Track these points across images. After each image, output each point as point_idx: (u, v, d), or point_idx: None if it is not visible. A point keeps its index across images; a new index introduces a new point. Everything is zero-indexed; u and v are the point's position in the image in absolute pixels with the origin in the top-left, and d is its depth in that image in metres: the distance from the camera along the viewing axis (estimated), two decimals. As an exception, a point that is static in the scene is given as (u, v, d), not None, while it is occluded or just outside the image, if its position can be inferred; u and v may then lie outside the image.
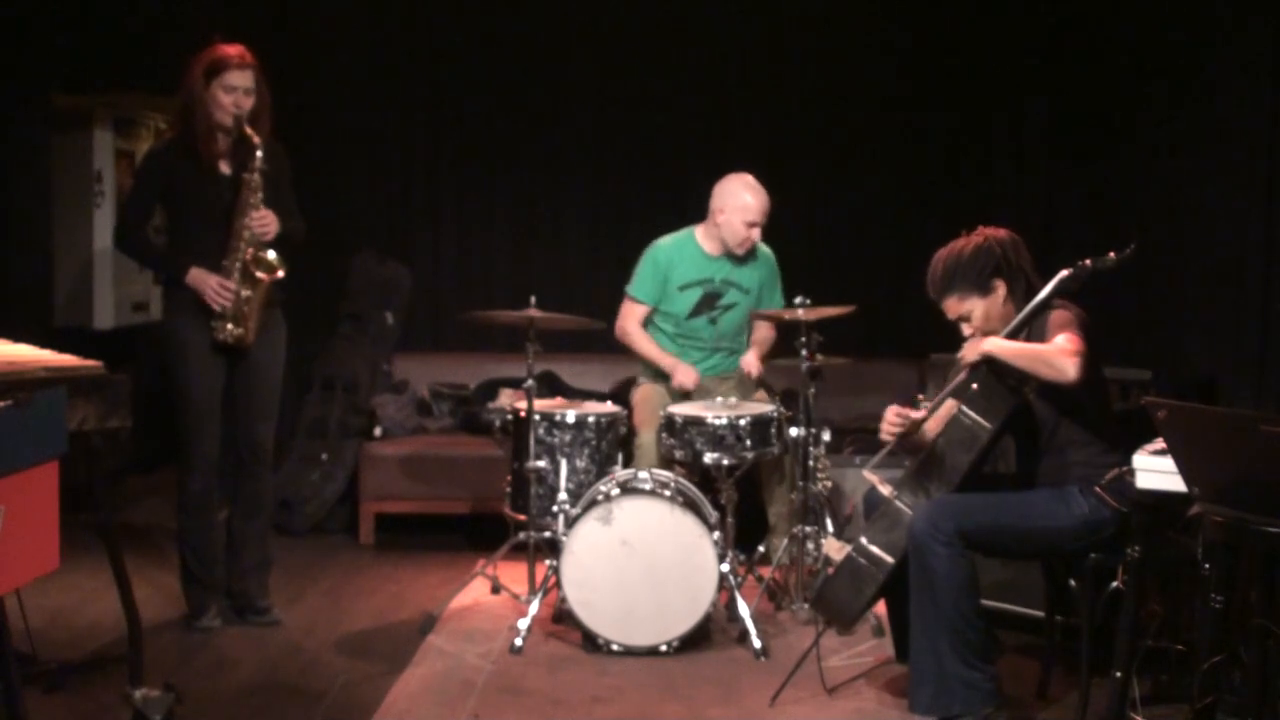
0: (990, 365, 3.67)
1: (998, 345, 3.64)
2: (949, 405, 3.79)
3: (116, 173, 6.56)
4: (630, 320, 5.10)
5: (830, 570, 3.86)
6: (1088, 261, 3.67)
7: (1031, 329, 3.71)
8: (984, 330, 3.76)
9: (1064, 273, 3.67)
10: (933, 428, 3.83)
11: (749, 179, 4.96)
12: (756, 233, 4.95)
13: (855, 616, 3.86)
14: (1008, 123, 6.50)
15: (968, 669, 3.56)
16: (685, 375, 4.93)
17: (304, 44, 6.26)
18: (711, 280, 5.01)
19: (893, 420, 3.78)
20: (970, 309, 3.77)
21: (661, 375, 5.08)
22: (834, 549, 3.85)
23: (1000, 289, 3.76)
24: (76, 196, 6.42)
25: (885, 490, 3.81)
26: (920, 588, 3.58)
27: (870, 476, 3.88)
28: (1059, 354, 3.49)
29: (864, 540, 3.75)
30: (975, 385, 3.70)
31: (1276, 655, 3.05)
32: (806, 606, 4.65)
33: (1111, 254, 3.66)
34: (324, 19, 6.41)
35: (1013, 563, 4.20)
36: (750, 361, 5.02)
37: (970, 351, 3.72)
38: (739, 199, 4.91)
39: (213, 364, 4.47)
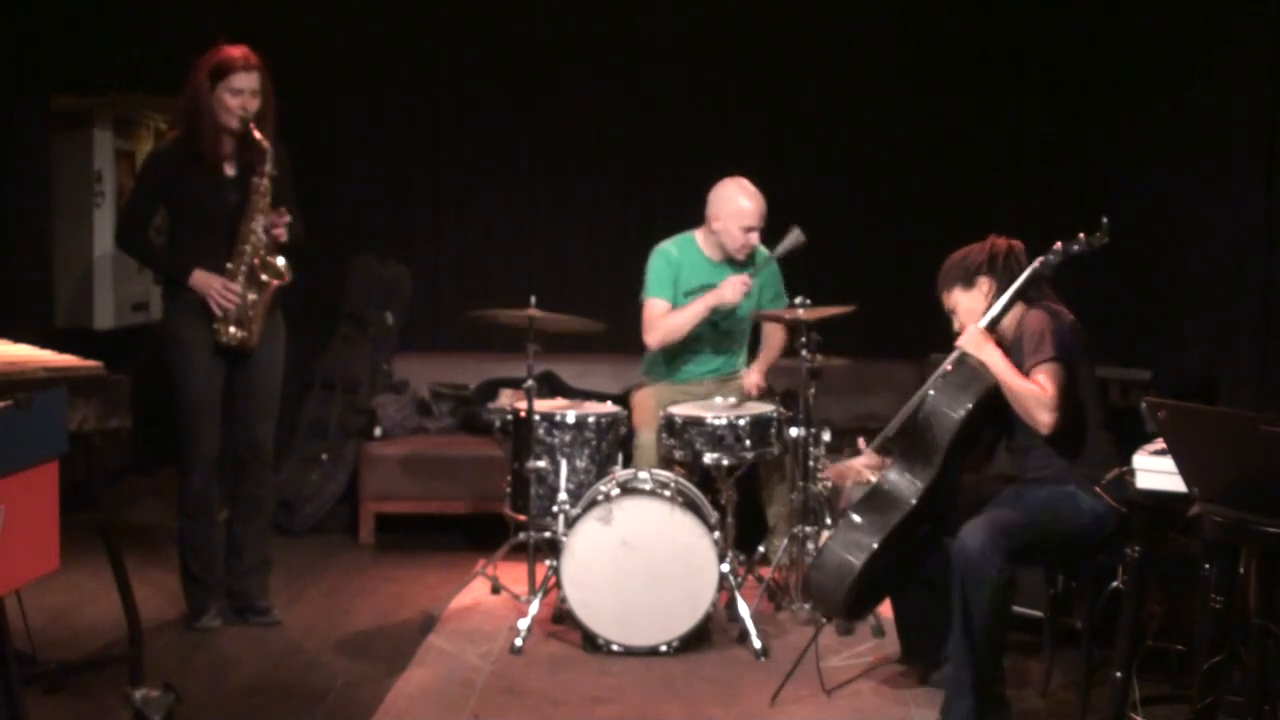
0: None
1: (985, 351, 3.74)
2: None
3: (116, 173, 6.56)
4: (653, 317, 4.94)
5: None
6: (1058, 245, 3.79)
7: (1015, 325, 3.81)
8: (967, 324, 3.87)
9: (1038, 261, 3.79)
10: None
11: (744, 183, 4.91)
12: (754, 237, 4.91)
13: (840, 603, 3.84)
14: (1007, 123, 6.50)
15: (993, 682, 3.63)
16: (731, 288, 4.80)
17: (304, 44, 6.25)
18: (714, 285, 4.98)
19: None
20: (955, 301, 3.92)
21: (663, 376, 5.09)
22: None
23: (983, 285, 3.88)
24: (76, 197, 6.41)
25: (874, 478, 3.90)
26: (967, 612, 3.56)
27: (858, 466, 3.94)
28: (1038, 405, 3.63)
29: (854, 516, 3.79)
30: (950, 367, 3.79)
31: (1276, 655, 3.05)
32: (807, 606, 4.66)
33: (1081, 235, 3.77)
34: (324, 19, 6.41)
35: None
36: (752, 381, 4.98)
37: (971, 343, 3.80)
38: (734, 204, 4.87)
39: (213, 364, 4.46)
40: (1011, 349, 3.78)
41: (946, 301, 3.95)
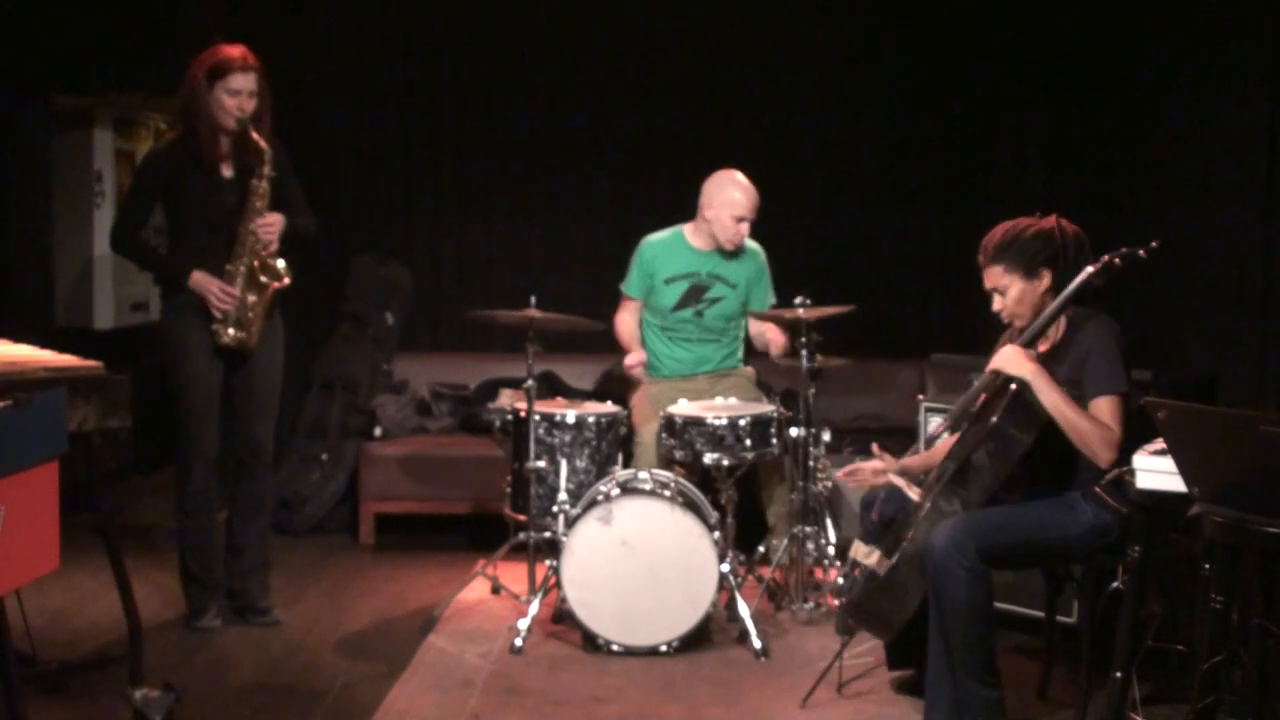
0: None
1: (1040, 380, 3.52)
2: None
3: (116, 173, 6.56)
4: (619, 314, 5.19)
5: (856, 573, 3.80)
6: (1116, 259, 3.57)
7: (1071, 336, 3.64)
8: (1013, 313, 3.68)
9: (1089, 269, 3.57)
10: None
11: (736, 175, 4.97)
12: (745, 228, 4.96)
13: (899, 626, 3.74)
14: (1008, 124, 6.50)
15: (982, 686, 3.51)
16: (630, 359, 5.04)
17: (304, 43, 6.26)
18: (698, 274, 5.03)
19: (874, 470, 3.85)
20: (1008, 285, 3.66)
21: (658, 370, 5.11)
22: (862, 553, 3.75)
23: (1045, 279, 3.65)
24: (76, 196, 6.41)
25: (914, 494, 3.71)
26: (941, 611, 3.49)
27: (896, 480, 3.79)
28: (1103, 444, 3.46)
29: (907, 551, 3.64)
30: (1014, 386, 3.57)
31: (1276, 655, 3.05)
32: (807, 606, 4.66)
33: (1141, 251, 3.56)
34: (324, 19, 6.41)
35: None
36: (776, 338, 4.98)
37: (1011, 364, 3.57)
38: (726, 194, 4.93)
39: (212, 364, 4.46)
40: (1061, 351, 3.63)
41: (990, 278, 3.68)
